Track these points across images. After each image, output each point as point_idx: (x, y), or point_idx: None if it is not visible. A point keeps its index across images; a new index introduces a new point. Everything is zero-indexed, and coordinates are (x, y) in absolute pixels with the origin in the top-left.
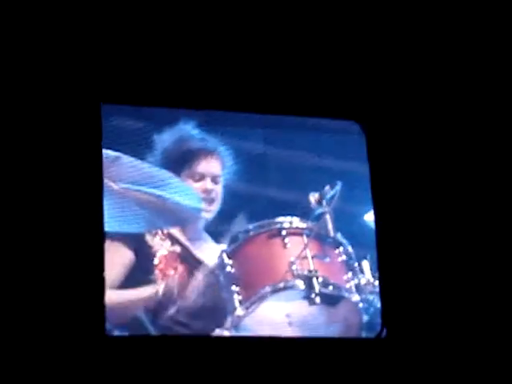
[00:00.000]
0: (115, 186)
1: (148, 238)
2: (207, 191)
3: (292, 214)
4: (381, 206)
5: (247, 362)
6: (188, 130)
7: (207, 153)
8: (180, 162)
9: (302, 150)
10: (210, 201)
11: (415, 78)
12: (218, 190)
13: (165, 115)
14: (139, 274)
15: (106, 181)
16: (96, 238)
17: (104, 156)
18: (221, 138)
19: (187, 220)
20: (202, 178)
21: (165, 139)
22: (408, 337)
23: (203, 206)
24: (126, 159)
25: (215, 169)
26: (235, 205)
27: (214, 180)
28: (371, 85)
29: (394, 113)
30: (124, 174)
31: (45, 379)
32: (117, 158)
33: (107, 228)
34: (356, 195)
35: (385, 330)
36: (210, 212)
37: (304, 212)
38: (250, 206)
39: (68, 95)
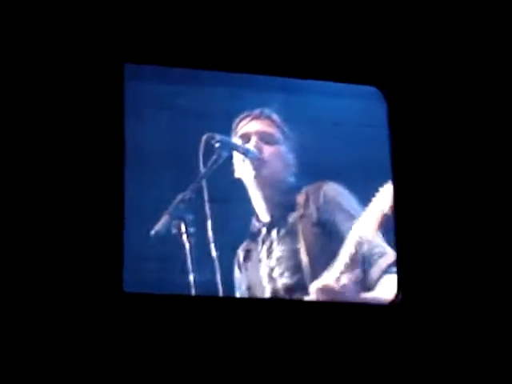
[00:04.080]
0: None
1: None
2: None
3: None
4: (401, 175)
5: (254, 322)
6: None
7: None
8: None
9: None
10: None
11: (437, 44)
12: None
13: (187, 77)
14: None
15: None
16: (115, 197)
17: None
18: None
19: None
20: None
21: None
22: (423, 303)
23: None
24: None
25: None
26: None
27: None
28: (393, 50)
29: (417, 79)
30: None
31: (61, 333)
32: None
33: None
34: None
35: (400, 296)
36: None
37: None
38: None
39: (92, 55)
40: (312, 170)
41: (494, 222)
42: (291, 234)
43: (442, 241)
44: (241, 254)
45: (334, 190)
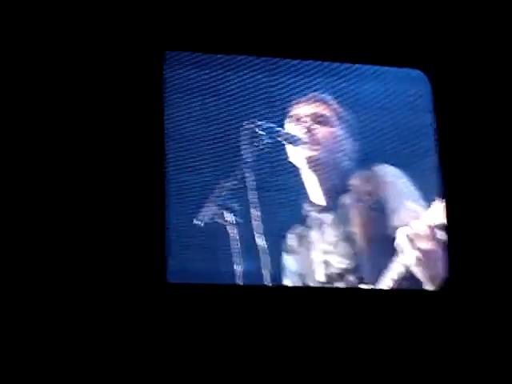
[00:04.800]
0: None
1: None
2: None
3: None
4: (447, 159)
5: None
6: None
7: None
8: None
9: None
10: None
11: (483, 26)
12: None
13: (229, 63)
14: None
15: None
16: (157, 186)
17: None
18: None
19: None
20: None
21: None
22: (472, 290)
23: None
24: None
25: None
26: None
27: None
28: (437, 32)
29: (462, 61)
30: None
31: (105, 324)
32: None
33: None
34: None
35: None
36: None
37: None
38: None
39: (133, 43)
40: (362, 155)
41: None
42: (346, 218)
43: (492, 227)
44: (290, 238)
45: (391, 174)
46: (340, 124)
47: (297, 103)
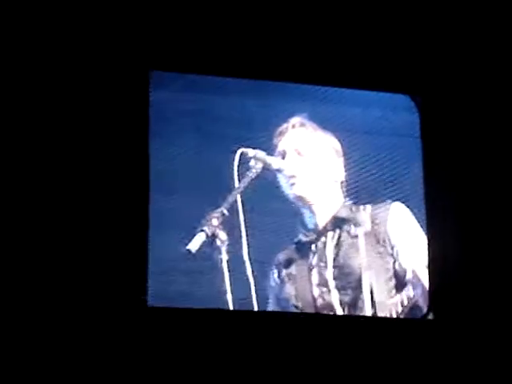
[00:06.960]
0: None
1: None
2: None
3: None
4: (433, 188)
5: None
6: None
7: None
8: None
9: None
10: None
11: (471, 50)
12: None
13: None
14: None
15: None
16: (141, 210)
17: None
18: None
19: None
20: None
21: None
22: (454, 319)
23: None
24: None
25: None
26: None
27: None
28: (426, 57)
29: (451, 86)
30: None
31: (85, 347)
32: None
33: None
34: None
35: (431, 313)
36: None
37: None
38: None
39: (117, 61)
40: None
41: None
42: (352, 249)
43: (475, 256)
44: (281, 263)
45: (402, 212)
46: (321, 148)
47: (280, 133)
